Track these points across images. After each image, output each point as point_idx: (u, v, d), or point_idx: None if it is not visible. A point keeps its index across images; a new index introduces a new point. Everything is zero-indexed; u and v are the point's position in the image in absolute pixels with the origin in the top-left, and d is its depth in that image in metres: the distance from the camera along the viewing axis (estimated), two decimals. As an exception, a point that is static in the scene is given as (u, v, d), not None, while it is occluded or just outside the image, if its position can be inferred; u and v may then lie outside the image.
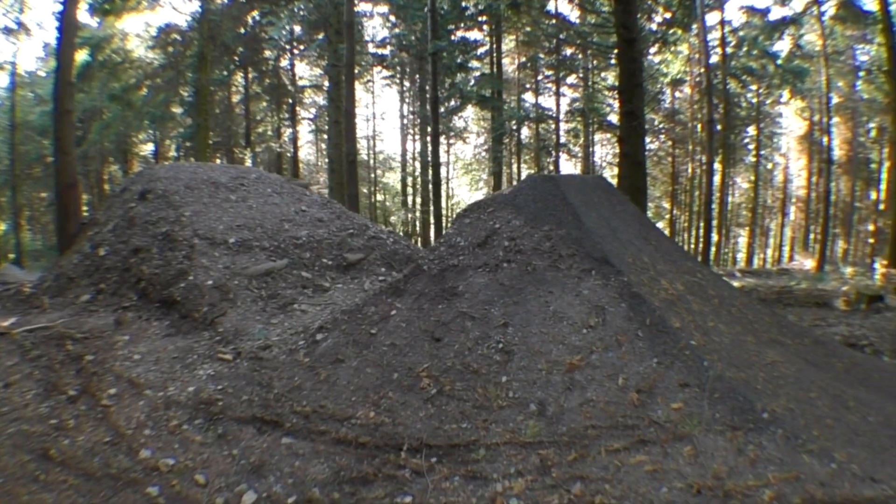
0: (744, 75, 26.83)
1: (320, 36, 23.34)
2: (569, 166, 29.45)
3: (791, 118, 34.21)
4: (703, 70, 21.43)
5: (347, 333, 4.68)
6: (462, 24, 23.60)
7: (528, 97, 28.52)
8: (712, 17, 22.48)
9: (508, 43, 28.20)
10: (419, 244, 20.60)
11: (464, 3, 22.30)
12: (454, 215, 33.83)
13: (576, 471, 3.14)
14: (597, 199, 5.86)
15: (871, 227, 29.08)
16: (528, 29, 23.77)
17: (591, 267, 4.66)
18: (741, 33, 25.18)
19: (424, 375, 4.08)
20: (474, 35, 25.02)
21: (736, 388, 3.51)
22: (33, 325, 5.58)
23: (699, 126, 28.24)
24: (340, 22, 18.47)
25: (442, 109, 23.83)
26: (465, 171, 36.31)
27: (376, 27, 29.20)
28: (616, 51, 13.59)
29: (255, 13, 23.80)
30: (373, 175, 36.31)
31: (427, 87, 24.30)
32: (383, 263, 7.47)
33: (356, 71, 21.06)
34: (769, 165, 36.94)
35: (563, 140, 27.12)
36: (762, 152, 33.18)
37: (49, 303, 6.52)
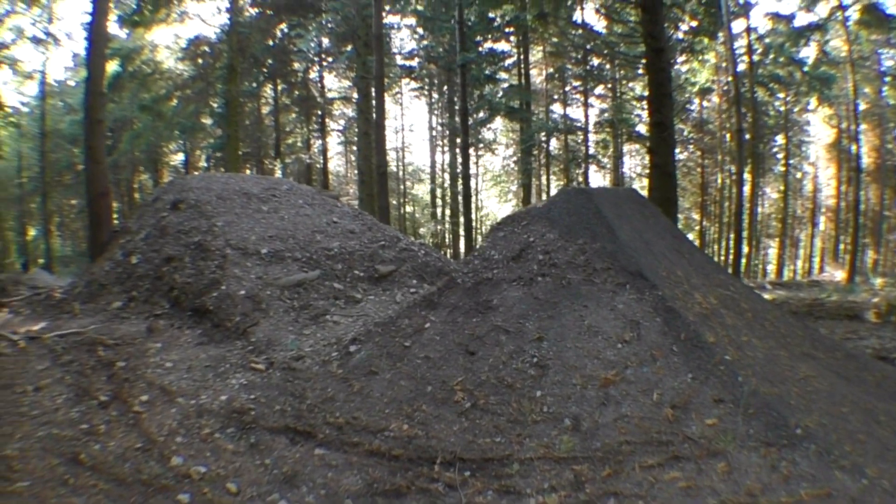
0: (771, 83, 26.53)
1: (349, 48, 23.51)
2: (598, 178, 29.36)
3: (819, 126, 33.81)
4: (730, 78, 21.25)
5: (381, 346, 4.68)
6: (489, 36, 23.69)
7: (557, 108, 28.55)
8: (738, 25, 22.39)
9: (536, 54, 28.18)
10: (449, 256, 20.59)
11: (491, 15, 22.32)
12: (484, 227, 33.98)
13: (610, 486, 3.10)
14: (629, 211, 5.83)
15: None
16: (555, 40, 23.67)
17: (625, 281, 4.62)
18: (767, 40, 24.98)
19: (458, 389, 4.06)
20: (502, 46, 25.09)
21: (770, 404, 3.46)
22: (64, 330, 5.62)
23: (728, 135, 27.94)
24: (369, 34, 18.65)
25: (470, 121, 23.87)
26: (494, 183, 36.20)
27: (404, 39, 29.34)
28: (644, 60, 13.50)
29: (284, 25, 24.14)
30: (402, 186, 36.43)
31: (456, 99, 24.47)
32: (414, 275, 7.47)
33: (384, 83, 21.27)
34: (798, 175, 36.39)
35: (592, 151, 26.98)
36: (791, 161, 32.70)
37: (80, 309, 6.58)
